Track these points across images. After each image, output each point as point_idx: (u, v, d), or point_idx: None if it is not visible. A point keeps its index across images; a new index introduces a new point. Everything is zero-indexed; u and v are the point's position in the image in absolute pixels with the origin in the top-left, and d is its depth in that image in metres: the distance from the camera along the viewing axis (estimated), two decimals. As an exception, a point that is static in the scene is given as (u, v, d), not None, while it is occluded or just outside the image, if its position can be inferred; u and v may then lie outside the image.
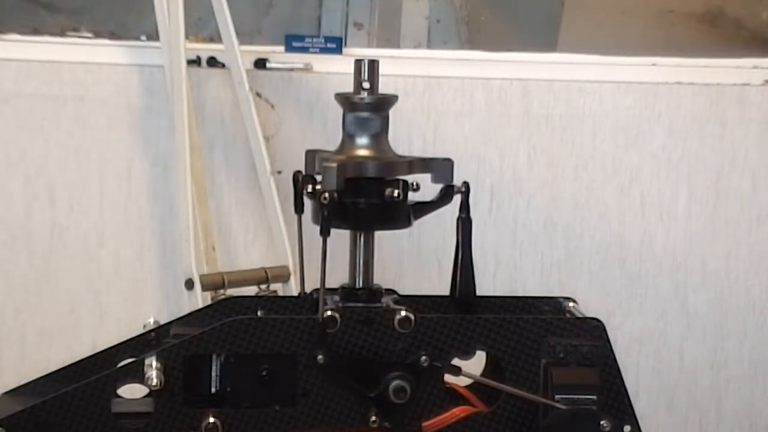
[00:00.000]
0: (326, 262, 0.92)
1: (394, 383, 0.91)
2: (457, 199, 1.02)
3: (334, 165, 0.93)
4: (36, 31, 2.02)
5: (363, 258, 0.98)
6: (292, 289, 1.86)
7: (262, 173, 1.92)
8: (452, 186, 1.00)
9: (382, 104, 0.97)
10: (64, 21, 2.07)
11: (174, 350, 0.89)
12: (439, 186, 1.00)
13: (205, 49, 1.98)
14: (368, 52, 2.16)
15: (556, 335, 0.93)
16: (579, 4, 2.37)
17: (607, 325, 0.95)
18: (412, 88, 1.99)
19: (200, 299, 1.78)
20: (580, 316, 0.99)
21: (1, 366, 2.00)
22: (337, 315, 0.92)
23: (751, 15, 2.17)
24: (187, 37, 1.89)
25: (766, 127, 2.05)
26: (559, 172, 2.05)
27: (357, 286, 0.98)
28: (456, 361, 0.94)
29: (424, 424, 0.92)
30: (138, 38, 2.02)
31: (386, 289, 1.01)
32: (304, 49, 2.01)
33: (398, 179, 0.96)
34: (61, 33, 2.03)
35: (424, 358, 0.92)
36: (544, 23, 2.37)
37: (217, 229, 1.99)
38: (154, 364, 0.87)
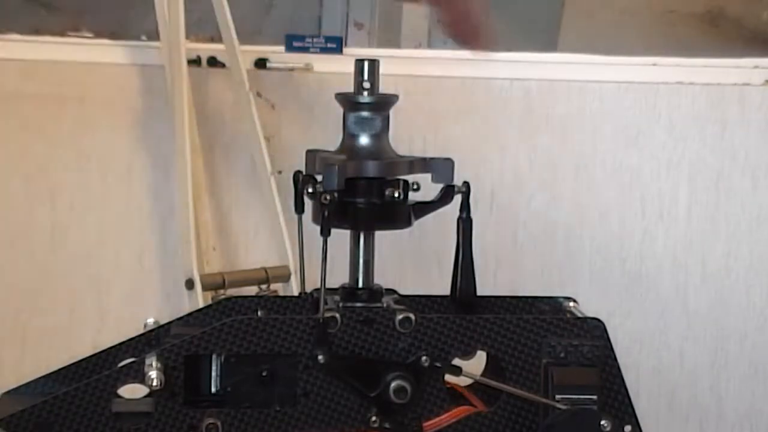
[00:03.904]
0: (326, 262, 0.92)
1: (395, 383, 0.91)
2: (458, 199, 1.02)
3: (335, 165, 0.93)
4: (37, 31, 2.02)
5: (363, 258, 0.98)
6: (293, 289, 1.86)
7: (263, 173, 1.92)
8: (452, 186, 1.00)
9: (383, 104, 0.96)
10: (65, 21, 2.07)
11: (174, 350, 0.88)
12: (440, 186, 1.00)
13: (206, 49, 1.98)
14: (368, 52, 2.16)
15: (556, 335, 0.93)
16: (579, 4, 2.36)
17: (607, 325, 0.95)
18: (412, 88, 1.99)
19: (200, 299, 1.78)
20: (580, 316, 0.99)
21: (1, 366, 2.00)
22: (337, 315, 0.92)
23: (752, 15, 2.16)
24: (187, 36, 1.89)
25: (767, 127, 2.05)
26: (559, 172, 2.04)
27: (357, 286, 0.98)
28: (456, 361, 0.93)
29: (425, 423, 0.92)
30: (138, 38, 2.02)
31: (386, 289, 1.01)
32: (304, 49, 2.01)
33: (399, 179, 0.96)
34: (62, 33, 2.03)
35: (424, 358, 0.92)
36: (544, 23, 2.37)
37: (217, 229, 1.99)
38: (155, 364, 0.87)
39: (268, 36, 2.16)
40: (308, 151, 1.01)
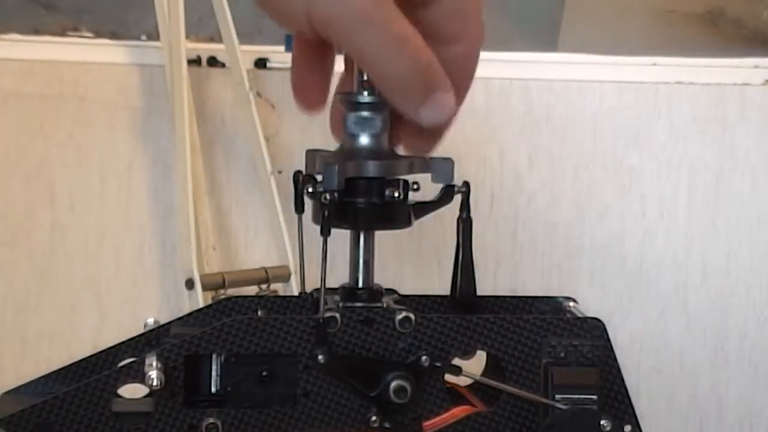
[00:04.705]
0: (326, 261, 0.92)
1: (395, 383, 0.91)
2: (458, 199, 1.01)
3: (335, 165, 0.93)
4: (36, 31, 2.02)
5: (363, 258, 0.97)
6: (293, 289, 1.86)
7: (262, 173, 1.92)
8: (452, 186, 0.99)
9: (383, 104, 0.96)
10: (65, 21, 2.07)
11: (174, 350, 0.88)
12: (440, 186, 0.99)
13: (206, 49, 1.98)
14: (368, 52, 2.15)
15: (556, 335, 0.92)
16: (579, 4, 2.36)
17: (607, 325, 0.95)
18: (412, 88, 1.98)
19: (200, 299, 1.78)
20: (580, 316, 0.99)
21: (1, 366, 2.00)
22: (337, 315, 0.91)
23: (752, 15, 2.16)
24: (187, 36, 1.89)
25: (767, 127, 2.05)
26: (559, 172, 2.05)
27: (357, 286, 0.98)
28: (456, 361, 0.93)
29: (425, 423, 0.92)
30: (138, 38, 2.02)
31: (386, 289, 1.01)
32: (304, 49, 2.01)
33: (398, 179, 0.96)
34: (62, 33, 2.03)
35: (424, 358, 0.92)
36: (544, 23, 2.37)
37: (217, 229, 1.99)
38: (155, 364, 0.87)
39: (268, 36, 2.16)
40: (308, 151, 1.00)
